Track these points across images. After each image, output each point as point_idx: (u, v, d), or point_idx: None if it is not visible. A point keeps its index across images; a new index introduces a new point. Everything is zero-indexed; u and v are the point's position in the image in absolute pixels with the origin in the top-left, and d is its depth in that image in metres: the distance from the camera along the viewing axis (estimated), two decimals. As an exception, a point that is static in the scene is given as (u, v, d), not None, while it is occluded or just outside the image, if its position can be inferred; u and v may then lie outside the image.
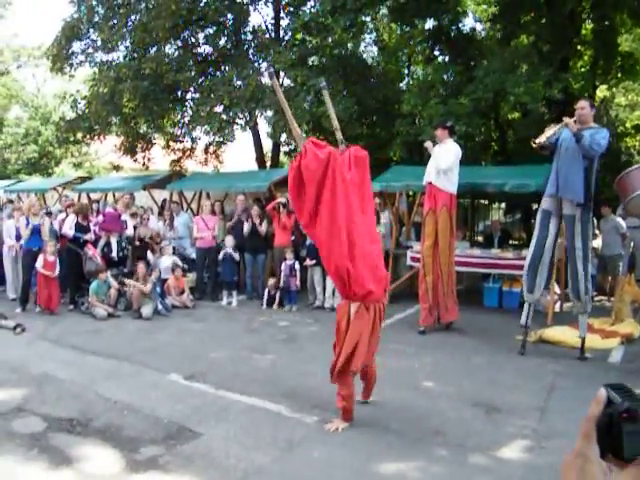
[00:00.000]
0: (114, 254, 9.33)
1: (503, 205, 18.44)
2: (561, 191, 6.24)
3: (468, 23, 15.80)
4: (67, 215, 9.71)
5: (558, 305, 8.98)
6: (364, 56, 15.73)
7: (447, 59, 13.96)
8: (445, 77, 13.01)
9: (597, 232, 10.62)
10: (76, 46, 14.72)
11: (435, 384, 5.52)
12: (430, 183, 7.48)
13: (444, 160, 7.25)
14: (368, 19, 13.62)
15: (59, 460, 3.82)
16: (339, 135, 4.84)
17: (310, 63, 13.77)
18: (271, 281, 9.42)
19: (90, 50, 14.47)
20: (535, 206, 13.69)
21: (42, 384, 5.38)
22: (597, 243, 10.45)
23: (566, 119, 6.09)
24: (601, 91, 15.94)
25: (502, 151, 15.80)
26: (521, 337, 6.70)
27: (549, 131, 6.21)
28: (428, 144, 7.56)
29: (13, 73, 28.51)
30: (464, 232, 12.51)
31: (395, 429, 4.40)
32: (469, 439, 4.21)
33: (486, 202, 18.06)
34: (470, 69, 11.70)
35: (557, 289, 8.88)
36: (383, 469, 3.76)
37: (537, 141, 6.23)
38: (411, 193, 12.34)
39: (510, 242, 11.96)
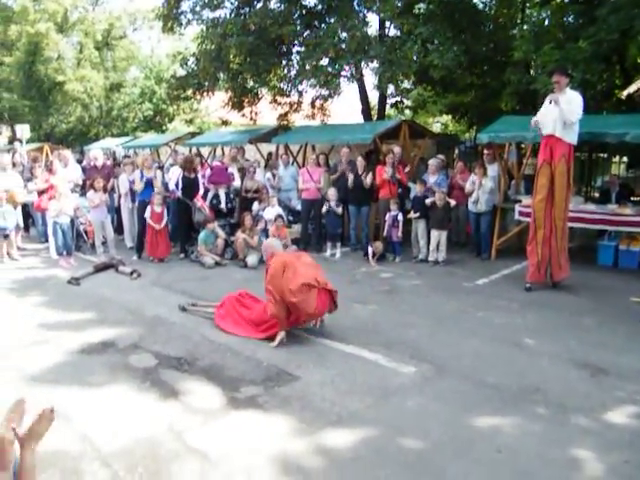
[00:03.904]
0: (222, 205, 9.67)
1: (625, 159, 16.99)
2: None
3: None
4: (179, 168, 10.12)
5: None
6: (474, 1, 14.83)
7: (567, -1, 12.86)
8: (564, 20, 12.00)
9: None
10: (185, 5, 15.10)
11: (538, 342, 5.30)
12: (549, 135, 6.99)
13: (573, 113, 6.68)
14: (479, -41, 12.80)
15: (168, 393, 4.12)
16: None
17: (417, 11, 13.25)
18: (378, 245, 9.36)
19: (198, 8, 14.73)
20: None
21: (155, 325, 5.78)
22: None
23: None
24: None
25: (628, 99, 14.46)
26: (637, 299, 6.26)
27: None
28: (554, 96, 6.93)
29: (130, 36, 29.94)
30: (579, 187, 11.72)
31: (492, 383, 4.30)
32: (571, 400, 4.02)
33: (605, 156, 16.74)
34: (593, 9, 10.67)
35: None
36: (477, 422, 3.69)
37: None
38: (523, 145, 11.67)
39: (632, 199, 11.05)
